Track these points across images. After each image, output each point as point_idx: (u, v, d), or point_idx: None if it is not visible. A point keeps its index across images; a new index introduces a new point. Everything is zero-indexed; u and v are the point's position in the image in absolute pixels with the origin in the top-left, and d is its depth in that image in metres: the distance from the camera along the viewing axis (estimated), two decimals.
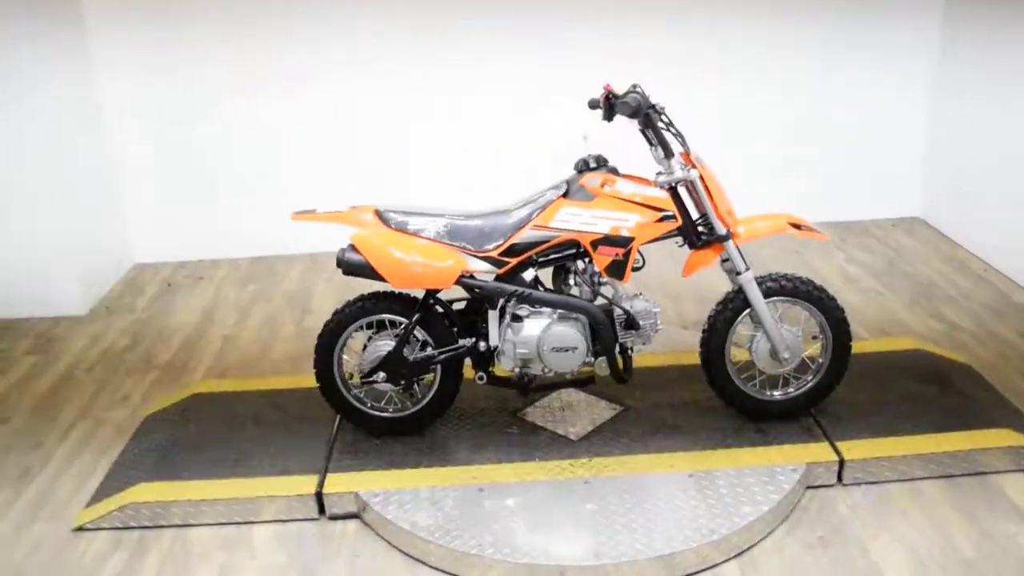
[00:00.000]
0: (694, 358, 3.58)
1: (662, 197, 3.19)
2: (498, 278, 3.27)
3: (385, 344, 3.38)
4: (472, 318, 3.46)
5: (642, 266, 3.31)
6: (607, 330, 3.26)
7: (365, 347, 3.45)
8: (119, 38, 5.24)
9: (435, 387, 3.45)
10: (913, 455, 3.28)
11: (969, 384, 3.75)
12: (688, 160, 3.23)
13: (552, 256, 3.30)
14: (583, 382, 3.41)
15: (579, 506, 3.07)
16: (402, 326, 3.38)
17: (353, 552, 3.07)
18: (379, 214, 3.24)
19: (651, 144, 3.34)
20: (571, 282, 3.37)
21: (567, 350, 3.26)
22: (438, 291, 3.32)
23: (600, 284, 3.34)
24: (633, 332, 3.34)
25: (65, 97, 4.98)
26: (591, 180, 3.19)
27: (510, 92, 5.52)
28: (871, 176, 5.90)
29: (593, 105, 3.46)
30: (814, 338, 3.50)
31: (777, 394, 3.51)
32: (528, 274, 3.30)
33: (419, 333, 3.36)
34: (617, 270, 3.23)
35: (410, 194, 5.27)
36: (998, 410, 3.55)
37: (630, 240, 3.19)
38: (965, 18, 5.33)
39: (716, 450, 3.37)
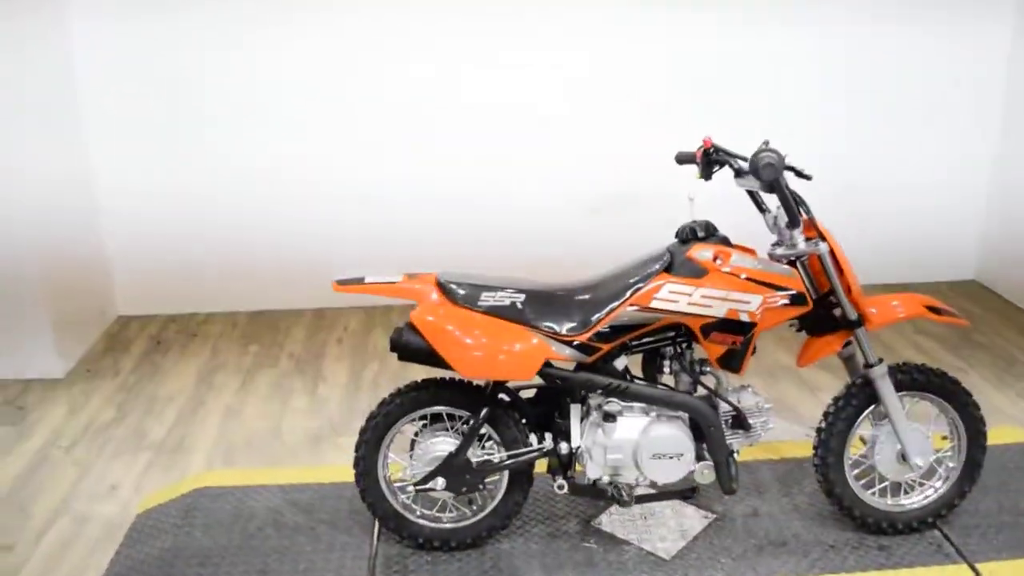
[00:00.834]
0: (792, 450, 3.05)
1: (790, 275, 2.66)
2: (584, 366, 2.71)
3: (442, 443, 2.81)
4: (544, 409, 2.89)
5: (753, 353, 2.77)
6: (719, 432, 2.72)
7: (413, 443, 2.86)
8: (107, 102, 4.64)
9: (500, 493, 2.87)
10: None
11: None
12: (812, 230, 2.71)
13: (647, 341, 2.76)
14: (684, 493, 2.85)
15: None
16: (462, 420, 2.81)
17: None
18: (441, 285, 2.68)
19: (762, 209, 2.83)
20: (666, 371, 2.82)
21: (671, 457, 2.70)
22: (507, 380, 2.75)
23: (702, 374, 2.80)
24: (741, 432, 2.79)
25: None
26: (701, 253, 2.65)
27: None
28: (924, 236, 5.45)
29: (683, 160, 2.95)
30: (943, 438, 2.99)
31: (906, 503, 2.98)
32: (620, 362, 2.75)
33: (485, 429, 2.79)
34: (731, 361, 2.69)
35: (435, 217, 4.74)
36: None
37: (751, 327, 2.65)
38: None
39: (836, 575, 2.82)
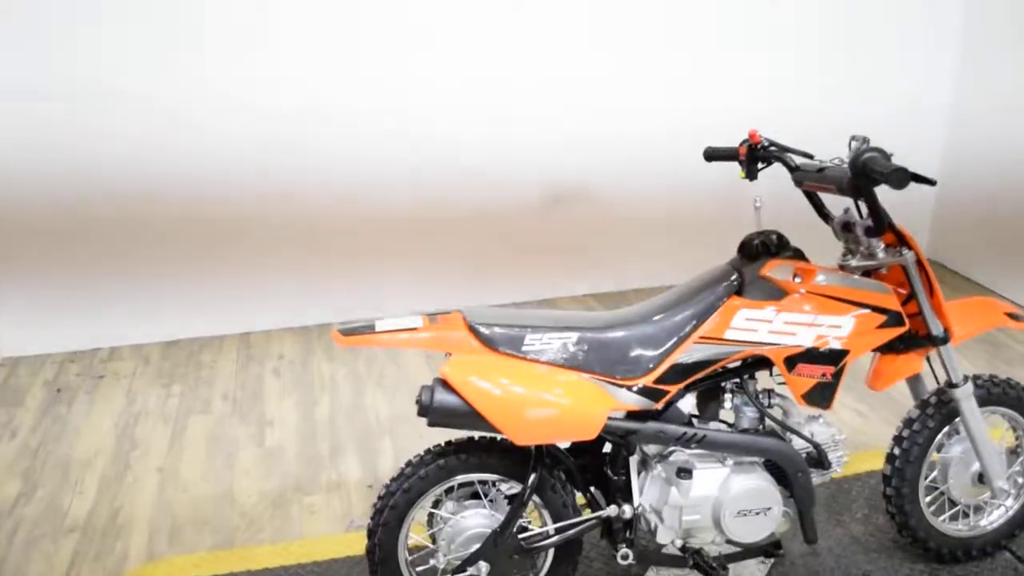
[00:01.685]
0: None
1: (884, 293, 2.30)
2: (649, 413, 2.27)
3: (479, 517, 2.31)
4: (583, 461, 2.45)
5: None
6: (806, 478, 2.34)
7: (431, 518, 2.36)
8: None
9: (545, 569, 2.40)
10: None
11: None
12: (893, 237, 2.36)
13: (717, 378, 2.35)
14: (768, 551, 2.46)
15: None
16: (495, 485, 2.33)
17: None
18: (473, 329, 2.17)
19: (824, 214, 2.46)
20: (727, 406, 2.42)
21: (759, 513, 2.30)
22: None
23: (770, 407, 2.41)
24: (815, 471, 2.43)
25: None
26: (779, 271, 2.25)
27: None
28: None
29: (716, 156, 2.57)
30: (1012, 452, 2.73)
31: (981, 525, 2.70)
32: (686, 403, 2.32)
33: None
34: (820, 396, 2.31)
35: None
36: None
37: (843, 355, 2.27)
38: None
39: None
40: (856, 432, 3.50)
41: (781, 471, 2.36)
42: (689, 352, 2.23)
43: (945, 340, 2.41)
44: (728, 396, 2.41)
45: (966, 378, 2.47)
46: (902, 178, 1.97)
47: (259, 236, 4.36)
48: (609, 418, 2.21)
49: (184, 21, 3.94)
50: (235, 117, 4.12)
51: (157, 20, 3.91)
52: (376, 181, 4.41)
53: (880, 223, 2.25)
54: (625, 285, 4.97)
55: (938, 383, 2.58)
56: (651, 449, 2.37)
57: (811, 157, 2.37)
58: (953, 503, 2.69)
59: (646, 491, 2.34)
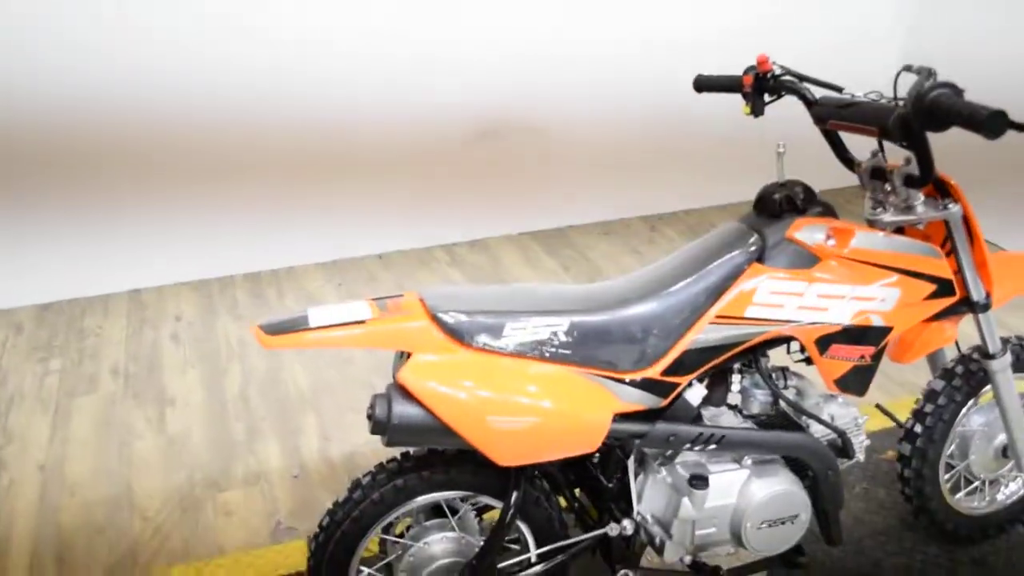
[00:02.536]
0: None
1: (936, 258, 1.91)
2: (656, 412, 1.85)
3: (445, 543, 1.88)
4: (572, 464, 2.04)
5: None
6: (836, 477, 1.97)
7: (383, 545, 1.93)
8: None
9: None
10: None
11: None
12: (936, 189, 1.97)
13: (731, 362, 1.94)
14: (791, 560, 2.09)
15: None
16: (468, 508, 1.90)
17: None
18: (437, 318, 1.69)
19: (849, 161, 2.06)
20: (735, 389, 2.02)
21: (785, 522, 1.93)
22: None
23: (785, 388, 2.03)
24: (842, 460, 2.07)
25: None
26: (810, 232, 1.84)
27: None
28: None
29: (709, 87, 2.15)
30: None
31: (1000, 501, 2.43)
32: (695, 394, 1.91)
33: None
34: (856, 381, 1.93)
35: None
36: None
37: (885, 333, 1.89)
38: None
39: None
40: None
41: (800, 465, 1.99)
42: (703, 335, 1.81)
43: (987, 307, 2.05)
44: (736, 377, 2.01)
45: (1005, 346, 2.14)
46: (1001, 124, 1.55)
47: (148, 177, 3.72)
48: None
49: None
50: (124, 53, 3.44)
51: None
52: (287, 118, 3.81)
53: (929, 171, 1.84)
54: (564, 222, 4.52)
55: (958, 349, 2.25)
56: (650, 450, 1.96)
57: (839, 90, 1.95)
58: (969, 480, 2.39)
59: (647, 499, 1.94)
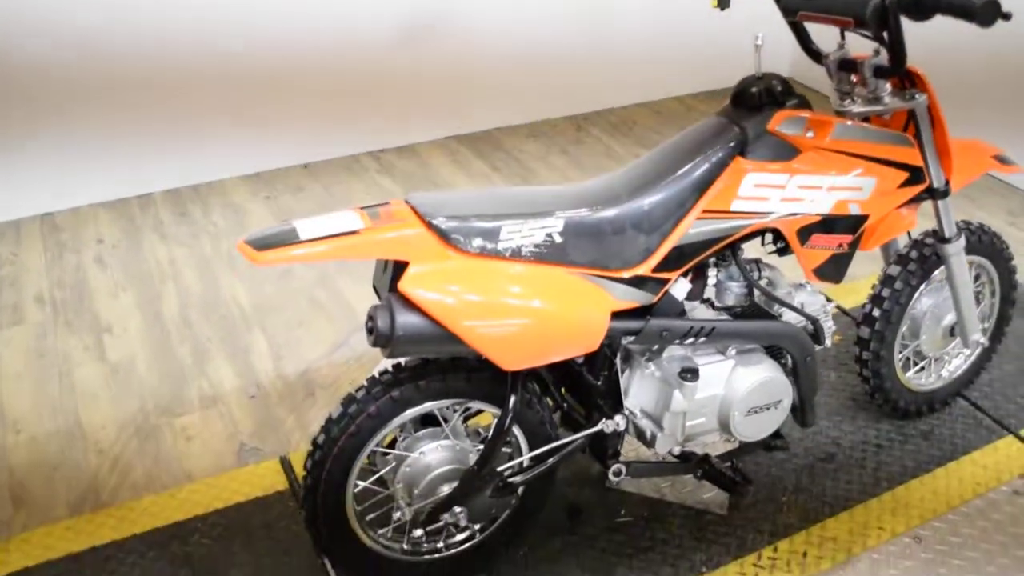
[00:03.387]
0: None
1: (908, 147, 1.96)
2: (647, 309, 1.87)
3: (440, 452, 1.88)
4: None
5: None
6: (814, 363, 2.04)
7: (375, 459, 1.92)
8: None
9: (517, 498, 2.03)
10: None
11: None
12: (902, 80, 2.01)
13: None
14: (772, 445, 2.17)
15: None
16: (452, 409, 1.90)
17: None
18: (432, 225, 1.65)
19: (812, 52, 2.08)
20: (711, 283, 2.05)
21: (770, 408, 2.00)
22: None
23: (759, 279, 2.07)
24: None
25: None
26: (790, 124, 1.85)
27: None
28: (740, 33, 4.97)
29: None
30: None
31: (945, 376, 2.57)
32: (680, 290, 1.93)
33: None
34: (833, 270, 1.99)
35: None
36: None
37: (862, 221, 1.94)
38: None
39: (907, 485, 2.36)
40: None
41: (777, 353, 2.06)
42: (691, 230, 1.83)
43: (946, 193, 2.13)
44: (712, 271, 2.04)
45: (960, 231, 2.23)
46: (993, 13, 1.57)
47: (55, 92, 3.46)
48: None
49: None
50: None
51: None
52: (202, 27, 3.57)
53: (902, 62, 1.87)
54: (490, 124, 4.44)
55: (909, 236, 2.35)
56: (636, 346, 1.98)
57: None
58: (917, 359, 2.52)
59: (636, 395, 1.97)
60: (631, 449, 2.29)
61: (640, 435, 1.97)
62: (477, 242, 1.66)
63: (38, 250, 3.43)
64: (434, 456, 1.88)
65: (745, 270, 2.00)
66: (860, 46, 1.96)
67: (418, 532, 1.86)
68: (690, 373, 1.89)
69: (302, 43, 3.78)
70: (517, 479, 1.89)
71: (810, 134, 1.86)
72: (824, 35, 2.02)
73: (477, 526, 2.01)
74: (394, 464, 1.90)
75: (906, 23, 1.81)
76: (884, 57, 1.92)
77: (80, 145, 3.59)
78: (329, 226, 1.62)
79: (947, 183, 2.12)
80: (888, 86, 1.98)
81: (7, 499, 2.35)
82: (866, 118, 2.03)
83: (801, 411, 2.11)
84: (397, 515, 1.88)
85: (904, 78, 1.99)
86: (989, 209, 3.70)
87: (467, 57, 4.16)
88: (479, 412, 2.01)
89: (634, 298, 1.80)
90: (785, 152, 1.85)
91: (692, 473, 2.08)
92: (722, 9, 2.08)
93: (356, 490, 1.86)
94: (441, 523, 1.86)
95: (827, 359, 2.78)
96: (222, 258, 3.38)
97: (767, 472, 2.37)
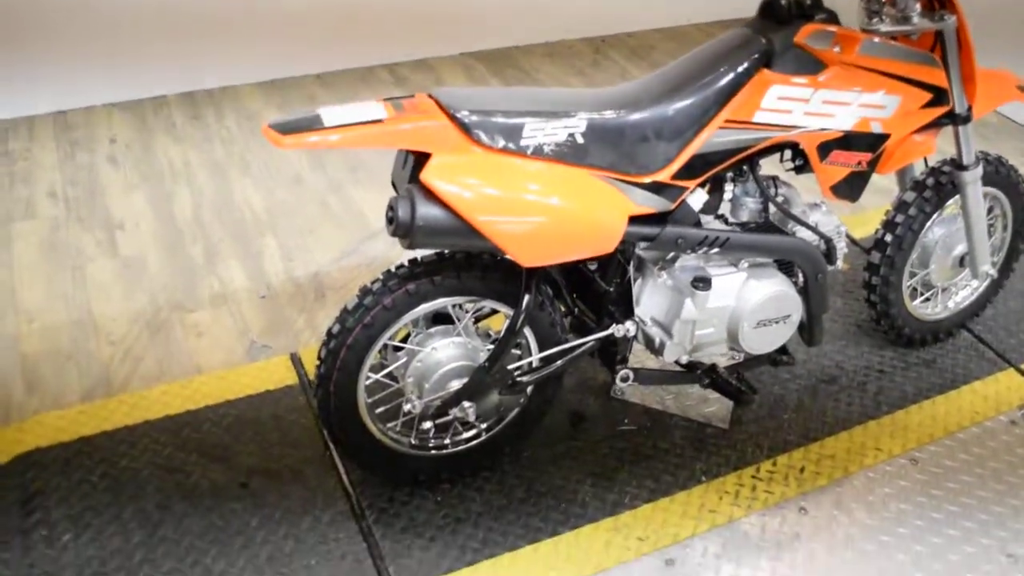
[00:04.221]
0: None
1: (934, 67, 1.94)
2: (665, 215, 1.88)
3: (451, 348, 1.91)
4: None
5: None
6: (825, 279, 2.06)
7: (387, 351, 1.94)
8: None
9: (524, 398, 2.06)
10: None
11: None
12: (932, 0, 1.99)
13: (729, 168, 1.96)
14: (777, 359, 2.19)
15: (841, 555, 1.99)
16: (463, 308, 1.92)
17: None
18: (455, 118, 1.65)
19: None
20: (727, 197, 2.06)
21: (778, 321, 2.02)
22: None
23: (776, 196, 2.07)
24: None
25: None
26: (817, 38, 1.84)
27: None
28: None
29: None
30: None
31: (951, 307, 2.58)
32: (697, 200, 1.94)
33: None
34: (851, 187, 1.99)
35: None
36: None
37: (883, 139, 1.94)
38: None
39: (906, 410, 2.40)
40: None
41: (790, 271, 2.07)
42: (712, 139, 1.83)
43: (968, 119, 2.12)
44: (729, 186, 2.04)
45: (978, 159, 2.23)
46: None
47: None
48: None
49: None
50: None
51: None
52: None
53: None
54: (507, 42, 4.39)
55: (926, 164, 2.34)
56: (649, 254, 2.00)
57: None
58: (926, 287, 2.54)
59: (647, 303, 1.99)
60: (636, 362, 2.32)
61: (649, 343, 2.00)
62: (499, 138, 1.66)
63: (51, 147, 3.42)
64: (445, 352, 1.90)
65: (762, 185, 2.01)
66: None
67: (427, 424, 1.90)
68: (702, 282, 1.91)
69: None
70: (526, 378, 1.92)
71: (837, 49, 1.85)
72: None
73: (484, 424, 2.05)
74: (405, 359, 1.93)
75: None
76: None
77: (94, 45, 3.56)
78: (354, 114, 1.62)
79: (969, 109, 2.11)
80: (917, 6, 1.95)
81: (20, 384, 2.39)
82: (893, 37, 2.01)
83: (809, 329, 2.13)
84: (407, 407, 1.91)
85: None
86: (1003, 149, 3.68)
87: None
88: (490, 315, 2.04)
89: (652, 204, 1.81)
90: (811, 66, 1.84)
91: (698, 382, 2.11)
92: None
93: (368, 382, 1.89)
94: (449, 417, 1.90)
95: (835, 287, 2.80)
96: (235, 162, 3.38)
97: (770, 391, 2.40)
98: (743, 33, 1.88)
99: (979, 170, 2.23)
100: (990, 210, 2.48)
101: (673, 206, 1.85)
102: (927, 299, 2.55)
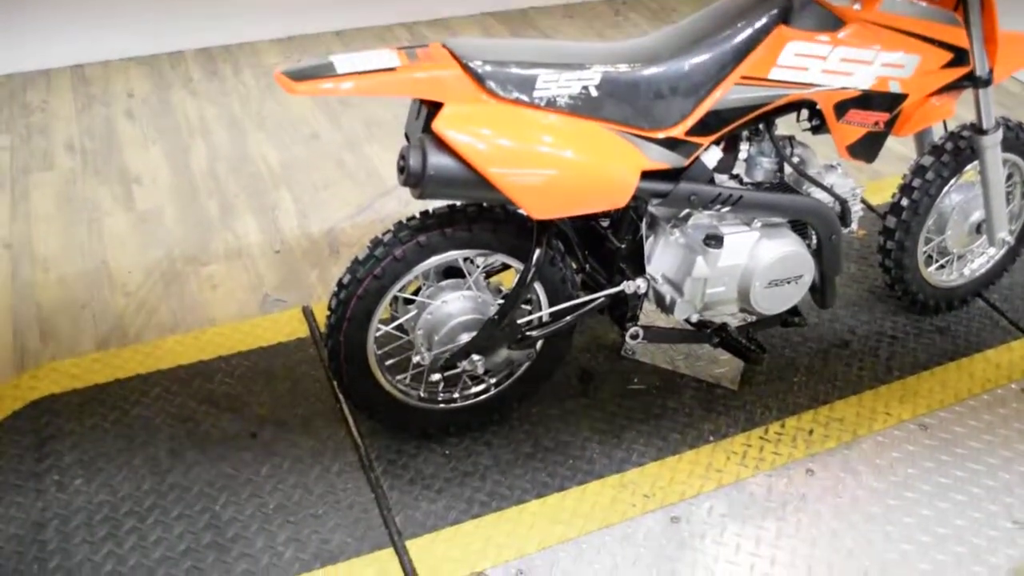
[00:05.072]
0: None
1: (956, 26, 1.91)
2: (678, 171, 1.87)
3: (461, 301, 1.91)
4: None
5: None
6: (839, 240, 2.05)
7: (397, 304, 1.95)
8: None
9: (536, 352, 2.06)
10: None
11: None
12: None
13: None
14: (788, 320, 2.19)
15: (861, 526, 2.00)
16: (473, 262, 1.92)
17: None
18: (468, 67, 1.64)
19: None
20: (742, 157, 2.04)
21: (790, 281, 2.01)
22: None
23: (792, 156, 2.06)
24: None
25: None
26: None
27: None
28: None
29: None
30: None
31: (966, 274, 2.56)
32: (711, 157, 1.92)
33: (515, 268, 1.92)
34: (868, 148, 1.97)
35: None
36: None
37: (901, 99, 1.91)
38: None
39: (917, 376, 2.39)
40: None
41: (804, 232, 2.06)
42: (728, 96, 1.81)
43: (989, 82, 2.09)
44: (744, 145, 2.02)
45: (998, 124, 2.20)
46: None
47: None
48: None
49: None
50: None
51: None
52: None
53: None
54: (526, 3, 4.35)
55: (945, 128, 2.31)
56: (662, 211, 1.99)
57: None
58: (941, 254, 2.52)
59: (659, 260, 1.98)
60: (646, 322, 2.32)
61: (660, 300, 1.99)
62: (512, 88, 1.65)
63: (68, 100, 3.43)
64: (456, 305, 1.91)
65: (778, 144, 1.99)
66: None
67: (436, 376, 1.91)
68: (714, 240, 1.90)
69: None
70: (535, 333, 1.92)
71: (857, 6, 1.82)
72: None
73: (493, 380, 2.05)
74: (416, 312, 1.93)
75: None
76: None
77: None
78: (367, 62, 1.61)
79: (990, 72, 2.07)
80: None
81: (36, 332, 2.41)
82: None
83: (821, 291, 2.12)
84: (416, 359, 1.92)
85: None
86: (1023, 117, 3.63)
87: None
88: (500, 271, 2.04)
89: (665, 159, 1.80)
90: (830, 22, 1.81)
91: (708, 341, 2.11)
92: None
93: (378, 334, 1.90)
94: (459, 369, 1.91)
95: (850, 252, 2.78)
96: (251, 118, 3.38)
97: (781, 354, 2.40)
98: None
99: (999, 135, 2.20)
100: (1009, 177, 2.45)
101: (687, 163, 1.83)
102: (942, 266, 2.53)
